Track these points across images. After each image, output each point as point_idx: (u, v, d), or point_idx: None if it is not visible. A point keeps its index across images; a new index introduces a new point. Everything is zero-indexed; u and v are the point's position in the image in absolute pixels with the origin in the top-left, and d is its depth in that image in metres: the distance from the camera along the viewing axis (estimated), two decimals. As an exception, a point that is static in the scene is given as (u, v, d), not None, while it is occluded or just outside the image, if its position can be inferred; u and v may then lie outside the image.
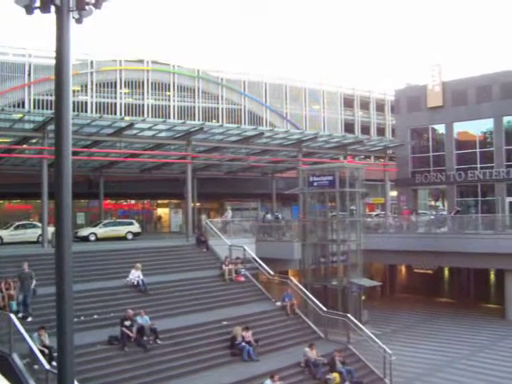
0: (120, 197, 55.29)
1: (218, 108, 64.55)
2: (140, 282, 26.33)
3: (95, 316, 23.15)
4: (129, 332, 21.19)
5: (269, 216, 44.60)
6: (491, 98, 45.73)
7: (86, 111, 55.45)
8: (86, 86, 56.89)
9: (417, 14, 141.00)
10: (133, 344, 21.19)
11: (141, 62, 60.38)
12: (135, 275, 26.51)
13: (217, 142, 40.53)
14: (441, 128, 49.71)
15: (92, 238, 39.07)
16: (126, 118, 40.30)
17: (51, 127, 31.30)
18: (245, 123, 63.34)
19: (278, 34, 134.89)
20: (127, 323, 21.34)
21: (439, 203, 53.46)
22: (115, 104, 58.58)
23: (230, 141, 40.75)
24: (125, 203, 57.66)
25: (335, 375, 22.27)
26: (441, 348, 29.52)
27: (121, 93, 58.88)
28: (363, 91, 77.58)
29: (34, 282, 23.03)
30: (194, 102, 63.04)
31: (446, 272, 46.24)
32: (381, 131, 77.92)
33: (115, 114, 56.81)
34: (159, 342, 21.88)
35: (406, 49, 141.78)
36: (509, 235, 35.28)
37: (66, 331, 7.19)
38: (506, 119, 45.57)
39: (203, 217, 39.70)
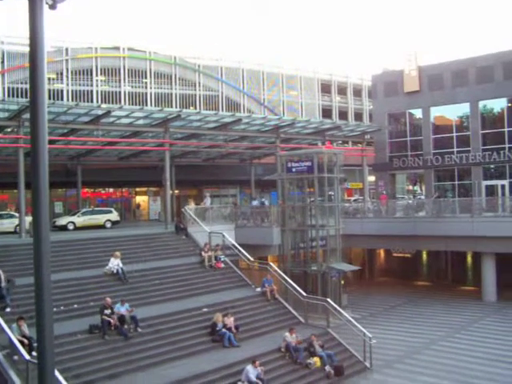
0: (98, 185, 54.97)
1: (195, 95, 64.34)
2: (119, 271, 26.25)
3: (75, 305, 23.06)
4: (110, 319, 21.16)
5: (255, 202, 44.63)
6: (467, 83, 46.05)
7: (62, 99, 54.99)
8: (62, 73, 56.41)
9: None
10: (113, 332, 21.16)
11: (117, 48, 59.90)
12: (114, 263, 26.42)
13: (194, 128, 40.36)
14: (418, 113, 50.01)
15: (70, 227, 38.81)
16: (103, 105, 39.99)
17: (26, 116, 30.99)
18: (222, 110, 63.27)
19: (254, 19, 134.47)
20: (107, 312, 21.30)
21: (417, 187, 53.87)
22: (91, 91, 58.15)
23: (208, 127, 40.62)
24: (103, 191, 57.34)
25: (316, 359, 22.47)
26: (419, 330, 29.88)
27: (97, 80, 58.42)
28: (340, 76, 77.75)
29: (3, 275, 22.48)
30: (171, 89, 62.77)
31: (424, 255, 46.70)
32: (358, 116, 78.24)
33: (91, 101, 56.41)
34: (139, 330, 21.86)
35: (383, 34, 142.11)
36: (485, 218, 35.71)
37: (45, 321, 7.15)
38: (481, 103, 45.95)
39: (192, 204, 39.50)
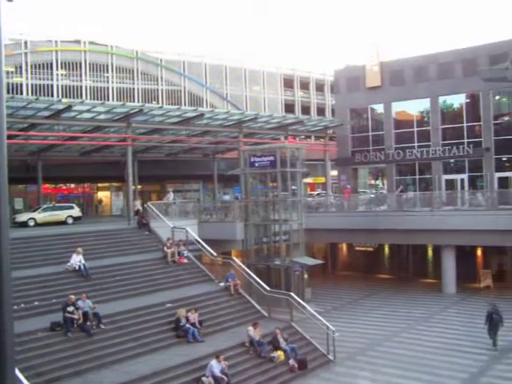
0: (59, 181, 54.22)
1: (157, 89, 63.97)
2: (82, 267, 25.98)
3: (36, 303, 22.76)
4: (74, 316, 20.94)
5: (227, 197, 44.50)
6: (427, 79, 46.59)
7: (22, 93, 54.16)
8: (21, 67, 55.47)
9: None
10: (76, 330, 20.95)
11: (77, 42, 59.20)
12: (76, 260, 26.13)
13: (157, 123, 40.13)
14: (379, 108, 50.44)
15: (31, 223, 38.18)
16: (64, 100, 39.42)
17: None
18: (185, 104, 62.98)
19: (216, 14, 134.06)
20: (70, 309, 21.06)
21: (379, 182, 54.38)
22: (52, 86, 57.37)
23: (171, 122, 40.41)
24: (64, 187, 56.58)
25: (279, 353, 22.57)
26: (381, 323, 30.28)
27: (57, 74, 57.61)
28: (303, 72, 78.04)
29: None
30: (134, 84, 62.29)
31: (386, 249, 47.22)
32: (321, 111, 78.65)
33: (52, 96, 55.65)
34: (102, 326, 21.69)
35: (346, 29, 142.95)
36: (445, 212, 36.34)
37: (5, 319, 7.06)
38: (441, 99, 46.57)
39: (137, 202, 39.17)
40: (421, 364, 23.36)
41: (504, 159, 43.33)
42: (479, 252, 41.57)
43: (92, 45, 59.92)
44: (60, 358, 19.35)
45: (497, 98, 44.36)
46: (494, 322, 25.02)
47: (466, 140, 44.89)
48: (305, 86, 78.63)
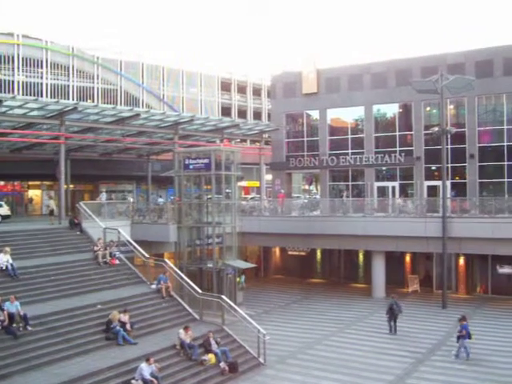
0: (-13, 178, 52.72)
1: (93, 87, 62.99)
2: (9, 267, 25.31)
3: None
4: (-1, 318, 20.42)
5: (161, 200, 44.07)
6: (362, 87, 47.50)
7: (-51, 87, 52.39)
8: (-51, 59, 53.72)
9: (294, 2, 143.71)
10: (1, 332, 20.39)
11: (10, 35, 57.72)
12: (4, 260, 25.43)
13: (91, 122, 39.52)
14: (315, 114, 51.08)
15: (-44, 221, 36.98)
16: (-6, 94, 38.39)
17: None
18: (121, 104, 62.27)
19: (155, 14, 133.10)
20: (-5, 310, 20.51)
21: (312, 187, 55.06)
22: (-19, 79, 55.70)
23: (106, 121, 39.87)
24: (-7, 185, 55.00)
25: (210, 356, 22.61)
26: (312, 326, 30.71)
27: (-12, 68, 56.01)
28: (240, 75, 78.33)
29: None
30: (69, 81, 61.11)
31: (319, 254, 47.81)
32: (257, 115, 79.11)
33: (-18, 90, 54.05)
34: (30, 328, 21.18)
35: (284, 35, 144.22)
36: (376, 218, 37.17)
37: None
38: (375, 107, 47.53)
39: (51, 202, 38.47)
40: (349, 367, 23.84)
41: (433, 168, 44.58)
42: (407, 258, 42.64)
43: (26, 38, 58.50)
44: (-17, 361, 18.82)
45: (428, 108, 45.65)
46: (394, 313, 29.09)
47: (398, 148, 46.00)
48: (242, 89, 78.96)
